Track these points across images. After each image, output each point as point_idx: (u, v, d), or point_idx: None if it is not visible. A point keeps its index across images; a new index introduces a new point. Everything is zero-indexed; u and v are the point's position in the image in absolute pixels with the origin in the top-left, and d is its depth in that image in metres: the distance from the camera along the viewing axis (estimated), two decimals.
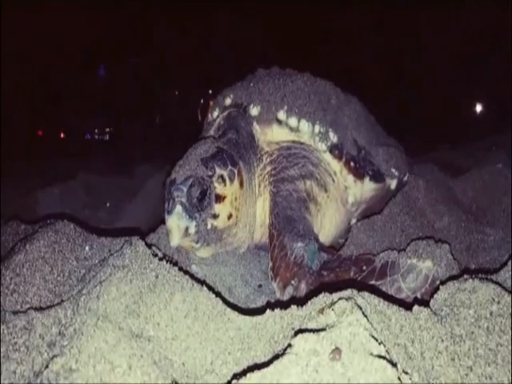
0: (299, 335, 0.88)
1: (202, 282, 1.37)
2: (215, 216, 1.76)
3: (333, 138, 2.08)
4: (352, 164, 2.12)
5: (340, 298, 1.10)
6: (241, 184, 1.87)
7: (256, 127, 2.08)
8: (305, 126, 2.04)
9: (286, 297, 1.64)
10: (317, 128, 2.06)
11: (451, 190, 2.48)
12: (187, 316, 1.17)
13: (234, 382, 0.81)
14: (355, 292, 1.16)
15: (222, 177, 1.79)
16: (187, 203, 1.67)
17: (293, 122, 2.04)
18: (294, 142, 2.08)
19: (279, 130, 2.05)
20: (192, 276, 1.41)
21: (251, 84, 2.17)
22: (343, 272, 1.58)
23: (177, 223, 1.65)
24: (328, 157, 2.08)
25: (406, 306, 1.20)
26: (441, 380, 0.98)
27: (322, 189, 2.03)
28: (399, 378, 0.81)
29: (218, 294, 1.32)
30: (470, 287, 1.21)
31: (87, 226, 1.76)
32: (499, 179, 2.43)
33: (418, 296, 1.44)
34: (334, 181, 2.10)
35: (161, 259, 1.38)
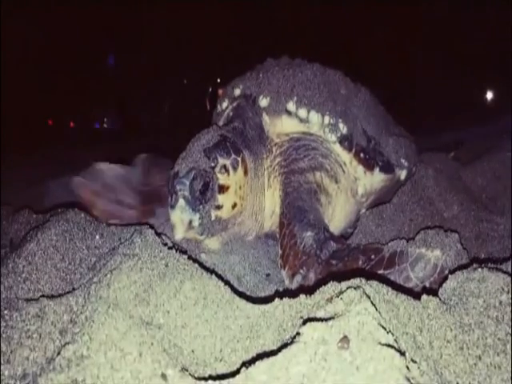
0: (308, 324, 0.89)
1: (211, 271, 1.39)
2: (219, 207, 1.76)
3: (342, 128, 2.06)
4: (362, 155, 2.10)
5: (348, 287, 1.10)
6: (245, 172, 1.86)
7: (265, 118, 2.06)
8: (314, 116, 2.02)
9: (294, 285, 1.65)
10: (326, 119, 2.04)
11: (461, 179, 2.47)
12: (197, 304, 1.19)
13: (242, 369, 0.82)
14: (363, 281, 1.16)
15: (224, 167, 1.77)
16: (190, 196, 1.67)
17: (302, 113, 2.02)
18: (303, 133, 2.06)
19: (289, 121, 2.03)
20: (201, 265, 1.42)
21: (260, 74, 2.15)
22: (352, 261, 1.58)
23: (180, 217, 1.66)
24: (338, 148, 2.07)
25: (415, 295, 1.21)
26: (449, 369, 0.98)
27: (332, 180, 2.02)
28: (407, 367, 0.81)
29: (227, 283, 1.34)
30: (480, 276, 1.21)
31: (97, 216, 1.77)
32: (509, 167, 2.40)
33: (427, 285, 1.44)
34: (344, 172, 2.08)
35: (170, 248, 1.39)
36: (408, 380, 0.77)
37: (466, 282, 1.22)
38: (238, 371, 0.83)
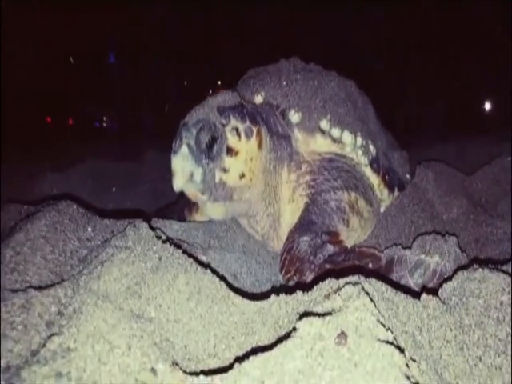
0: (304, 319, 0.85)
1: (206, 266, 1.35)
2: (225, 170, 1.68)
3: (372, 150, 2.04)
4: (387, 177, 2.09)
5: (347, 283, 1.07)
6: (259, 146, 1.78)
7: (298, 135, 1.97)
8: (348, 137, 1.97)
9: None
10: (359, 140, 1.99)
11: (461, 183, 2.43)
12: (190, 298, 1.15)
13: (236, 364, 0.78)
14: (362, 278, 1.13)
15: (236, 130, 1.71)
16: (195, 146, 1.61)
17: (336, 132, 1.96)
18: (336, 154, 2.00)
19: (322, 140, 1.97)
20: (196, 259, 1.38)
21: (284, 82, 2.05)
22: (347, 268, 1.56)
23: (181, 165, 1.60)
24: (368, 171, 2.04)
25: (414, 294, 1.18)
26: (449, 370, 0.95)
27: (367, 203, 1.97)
28: (407, 365, 0.78)
29: (222, 278, 1.30)
30: (480, 277, 1.18)
31: (91, 208, 1.74)
32: (509, 172, 2.37)
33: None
34: (374, 194, 2.06)
35: (164, 242, 1.36)
36: (407, 378, 0.74)
37: (467, 282, 1.19)
38: (231, 366, 0.79)
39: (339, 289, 1.08)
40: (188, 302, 1.14)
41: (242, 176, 1.73)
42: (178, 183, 1.61)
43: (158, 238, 1.36)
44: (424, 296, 1.15)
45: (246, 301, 1.21)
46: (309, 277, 1.61)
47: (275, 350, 0.80)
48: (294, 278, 1.64)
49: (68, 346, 0.83)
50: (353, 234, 1.86)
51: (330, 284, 1.12)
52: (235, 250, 1.89)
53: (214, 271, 1.46)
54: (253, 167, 1.76)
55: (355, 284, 1.03)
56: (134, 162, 3.74)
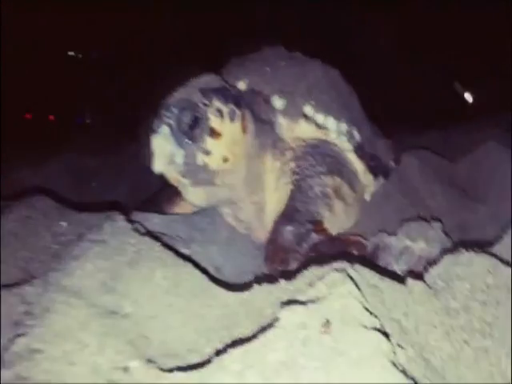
0: (287, 308, 0.82)
1: (186, 259, 1.30)
2: (207, 152, 1.63)
3: (357, 136, 2.01)
4: (372, 163, 2.07)
5: (331, 270, 1.04)
6: (243, 130, 1.73)
7: (281, 121, 1.94)
8: (332, 123, 1.95)
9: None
10: (343, 126, 1.97)
11: (445, 170, 2.43)
12: (169, 293, 1.11)
13: (214, 359, 0.74)
14: (347, 264, 1.10)
15: (219, 111, 1.66)
16: (176, 127, 1.56)
17: (320, 118, 1.94)
18: (320, 140, 1.98)
19: (306, 126, 1.95)
20: (176, 252, 1.34)
21: (267, 69, 2.02)
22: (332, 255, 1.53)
23: (162, 145, 1.55)
24: (353, 157, 2.01)
25: (400, 279, 1.15)
26: (436, 354, 0.93)
27: (351, 189, 1.95)
28: (394, 352, 0.75)
29: (204, 271, 1.26)
30: (466, 260, 1.16)
31: (66, 202, 1.67)
32: (492, 156, 2.37)
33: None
34: (358, 181, 2.03)
35: (142, 235, 1.31)
36: (394, 366, 0.71)
37: (452, 266, 1.17)
38: (210, 361, 0.75)
39: (323, 276, 1.04)
40: (166, 297, 1.09)
41: (225, 160, 1.68)
42: (159, 165, 1.56)
43: (136, 230, 1.31)
44: (410, 281, 1.12)
45: (228, 293, 1.17)
46: (294, 266, 1.57)
47: (256, 342, 0.76)
48: (279, 268, 1.61)
49: (34, 348, 0.77)
50: (337, 221, 1.82)
51: (314, 271, 1.09)
52: (219, 242, 1.84)
53: (196, 264, 1.42)
54: (236, 151, 1.71)
55: (340, 270, 1.00)
56: (113, 156, 3.64)
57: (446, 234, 1.59)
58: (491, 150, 2.40)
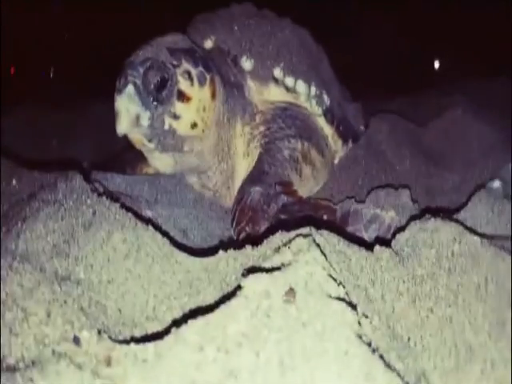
0: (250, 276, 0.77)
1: (148, 221, 1.24)
2: (175, 116, 1.55)
3: (326, 100, 1.95)
4: (341, 128, 2.03)
5: (297, 235, 1.00)
6: (213, 95, 1.65)
7: (250, 84, 1.86)
8: (302, 87, 1.88)
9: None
10: (313, 90, 1.90)
11: (413, 135, 2.42)
12: (127, 257, 1.04)
13: (172, 329, 0.69)
14: (313, 230, 1.06)
15: (189, 74, 1.56)
16: (142, 86, 1.46)
17: (290, 81, 1.86)
18: (289, 103, 1.91)
19: (276, 89, 1.87)
20: (137, 215, 1.26)
21: (235, 27, 1.90)
22: (302, 218, 1.49)
23: (126, 106, 1.46)
24: (322, 121, 1.96)
25: (368, 246, 1.14)
26: (401, 323, 0.92)
27: (320, 153, 1.91)
28: (359, 322, 0.73)
29: (166, 234, 1.20)
30: (432, 227, 1.15)
31: (21, 159, 1.55)
32: (459, 124, 2.38)
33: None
34: (327, 145, 1.99)
35: (100, 195, 1.22)
36: (359, 337, 0.69)
37: (419, 233, 1.16)
38: (167, 331, 0.70)
39: (289, 241, 1.01)
40: (124, 262, 1.03)
41: (194, 125, 1.60)
42: (122, 126, 1.47)
43: (94, 191, 1.23)
44: (377, 248, 1.11)
45: (191, 258, 1.12)
46: (262, 227, 1.53)
47: (217, 312, 0.72)
48: (247, 228, 1.55)
49: None
50: (305, 184, 1.81)
51: (280, 237, 1.05)
52: (185, 204, 1.77)
53: (158, 227, 1.36)
54: (205, 117, 1.63)
55: (306, 236, 0.97)
56: (73, 112, 3.43)
57: (414, 201, 1.58)
58: (458, 117, 2.41)
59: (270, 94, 1.89)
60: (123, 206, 1.24)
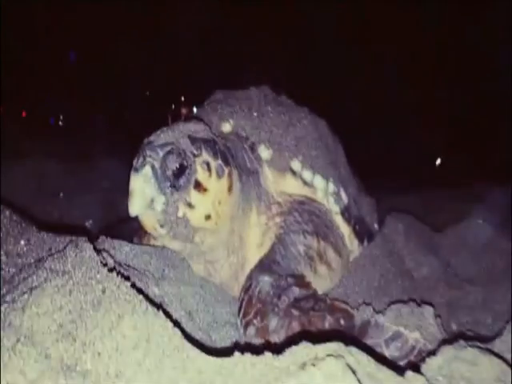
0: None
1: (158, 305, 1.13)
2: (190, 205, 1.48)
3: (344, 198, 1.93)
4: (357, 228, 1.99)
5: (328, 355, 0.90)
6: (229, 189, 1.60)
7: (267, 173, 1.83)
8: (320, 182, 1.87)
9: (248, 337, 1.42)
10: (331, 186, 1.89)
11: (430, 239, 2.37)
12: (137, 347, 0.93)
13: None
14: (342, 347, 0.96)
15: (208, 164, 1.52)
16: (159, 170, 1.41)
17: (308, 175, 1.85)
18: (307, 197, 1.87)
19: (293, 181, 1.84)
20: (147, 296, 1.16)
21: (254, 113, 1.91)
22: (317, 318, 1.38)
23: (142, 186, 1.40)
24: (339, 219, 1.92)
25: (396, 367, 1.03)
26: None
27: (337, 253, 1.84)
28: None
29: (176, 323, 1.09)
30: (470, 358, 1.06)
31: (29, 216, 1.47)
32: (479, 235, 2.33)
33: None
34: (344, 245, 1.93)
35: (111, 270, 1.13)
36: None
37: (455, 362, 1.07)
38: None
39: (317, 359, 0.90)
40: (134, 352, 0.92)
41: (208, 217, 1.54)
42: (135, 207, 1.41)
43: (104, 264, 1.14)
44: (409, 374, 1.00)
45: (203, 356, 1.00)
46: (272, 321, 1.40)
47: None
48: (255, 321, 1.44)
49: None
50: (320, 284, 1.69)
51: (304, 350, 0.95)
52: (192, 282, 1.65)
53: (166, 312, 1.24)
54: (220, 211, 1.57)
55: (337, 357, 0.86)
56: (85, 166, 3.40)
57: (437, 316, 1.48)
58: (478, 228, 2.37)
59: (287, 186, 1.85)
60: (133, 284, 1.15)
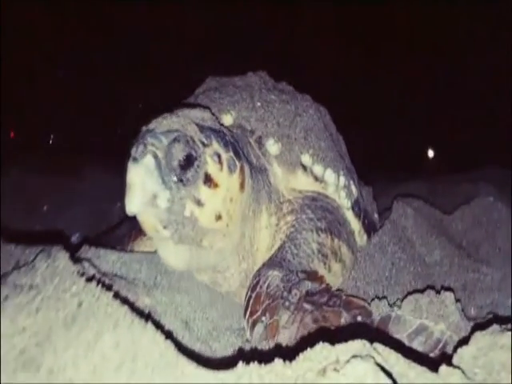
0: None
1: (147, 317, 0.97)
2: (199, 203, 1.30)
3: (354, 192, 1.81)
4: (366, 222, 1.87)
5: (349, 353, 0.75)
6: (241, 186, 1.43)
7: (276, 169, 1.68)
8: (331, 176, 1.73)
9: (254, 338, 1.27)
10: (341, 180, 1.76)
11: (440, 222, 2.24)
12: (120, 369, 0.78)
13: None
14: (367, 344, 0.81)
15: (219, 156, 1.34)
16: (164, 161, 1.21)
17: (319, 170, 1.70)
18: (318, 193, 1.74)
19: (303, 177, 1.70)
20: (133, 307, 1.00)
21: (257, 102, 1.74)
22: (332, 314, 1.23)
23: (142, 179, 1.19)
24: (350, 215, 1.80)
25: (427, 362, 0.88)
26: None
27: (350, 250, 1.71)
28: None
29: (169, 336, 0.93)
30: (509, 344, 0.91)
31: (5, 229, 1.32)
32: (491, 213, 2.20)
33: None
34: (355, 241, 1.81)
35: (89, 280, 0.97)
36: None
37: (492, 351, 0.92)
38: None
39: (338, 361, 0.75)
40: (117, 374, 0.77)
41: (219, 218, 1.36)
42: (134, 203, 1.19)
43: (81, 274, 0.98)
44: (443, 368, 0.85)
45: (202, 370, 0.84)
46: (283, 317, 1.25)
47: None
48: (263, 319, 1.27)
49: None
50: (332, 280, 1.57)
51: (323, 352, 0.79)
52: (187, 289, 1.51)
53: (158, 324, 1.09)
54: (231, 210, 1.40)
55: (364, 358, 0.72)
56: (71, 178, 3.27)
57: (457, 300, 1.34)
58: (489, 206, 2.25)
59: (297, 182, 1.71)
60: (117, 295, 0.99)
